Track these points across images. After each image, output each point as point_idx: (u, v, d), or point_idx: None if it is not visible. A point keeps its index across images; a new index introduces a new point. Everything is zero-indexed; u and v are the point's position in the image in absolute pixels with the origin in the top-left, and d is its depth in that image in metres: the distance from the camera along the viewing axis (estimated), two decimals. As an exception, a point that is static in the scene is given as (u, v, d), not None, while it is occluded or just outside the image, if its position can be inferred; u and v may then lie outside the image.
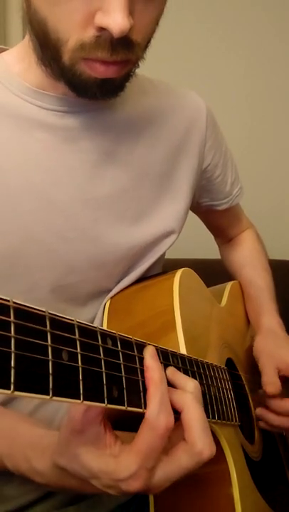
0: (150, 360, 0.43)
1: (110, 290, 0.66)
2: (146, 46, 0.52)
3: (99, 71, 0.49)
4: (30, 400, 0.60)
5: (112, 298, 0.65)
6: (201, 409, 0.44)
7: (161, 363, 0.46)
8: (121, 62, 0.49)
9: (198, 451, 0.42)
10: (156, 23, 0.52)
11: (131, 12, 0.45)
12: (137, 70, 0.57)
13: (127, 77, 0.53)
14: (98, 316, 0.65)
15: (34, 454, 0.47)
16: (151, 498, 0.58)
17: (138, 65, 0.53)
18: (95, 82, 0.50)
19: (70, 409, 0.41)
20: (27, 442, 0.49)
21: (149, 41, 0.52)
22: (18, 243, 0.56)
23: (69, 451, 0.42)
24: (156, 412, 0.40)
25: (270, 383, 0.70)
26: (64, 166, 0.58)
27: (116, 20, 0.44)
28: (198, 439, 0.42)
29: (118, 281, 0.66)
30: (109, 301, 0.65)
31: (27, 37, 0.56)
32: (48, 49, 0.50)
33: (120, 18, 0.44)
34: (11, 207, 0.56)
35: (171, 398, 0.43)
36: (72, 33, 0.47)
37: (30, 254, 0.57)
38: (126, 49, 0.48)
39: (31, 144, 0.57)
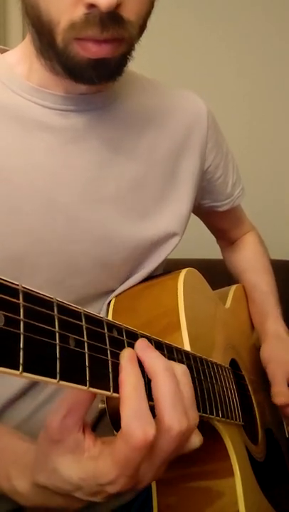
0: (125, 365, 0.39)
1: (114, 290, 0.66)
2: (140, 26, 0.52)
3: (92, 51, 0.49)
4: (29, 403, 0.60)
5: (116, 297, 0.65)
6: (173, 382, 0.40)
7: (164, 355, 0.46)
8: (113, 41, 0.49)
9: (166, 427, 0.38)
10: (150, 2, 0.52)
11: None
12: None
13: (123, 59, 0.53)
14: (102, 315, 0.65)
15: (15, 473, 0.43)
16: (154, 497, 0.58)
17: (134, 47, 0.53)
18: (89, 63, 0.50)
19: (46, 419, 0.39)
20: (11, 459, 0.45)
21: (143, 21, 0.52)
22: (23, 245, 0.56)
23: (47, 465, 0.39)
24: (130, 422, 0.36)
25: (280, 394, 0.70)
26: (68, 166, 0.58)
27: None
28: (166, 415, 0.38)
29: (122, 282, 0.67)
30: (113, 300, 0.65)
31: (28, 36, 0.57)
32: (43, 35, 0.51)
33: None
34: (15, 209, 0.56)
35: (144, 362, 0.40)
36: (63, 13, 0.48)
37: (36, 255, 0.57)
38: (116, 25, 0.48)
39: (35, 145, 0.57)
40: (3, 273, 0.55)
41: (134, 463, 0.37)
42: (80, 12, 0.47)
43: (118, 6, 0.46)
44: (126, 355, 0.40)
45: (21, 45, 0.60)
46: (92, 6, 0.46)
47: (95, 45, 0.48)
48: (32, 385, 0.60)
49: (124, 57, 0.52)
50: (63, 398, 0.39)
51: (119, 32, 0.48)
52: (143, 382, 0.39)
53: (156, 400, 0.39)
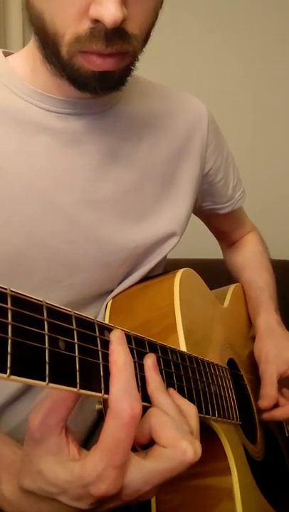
0: (115, 343, 0.40)
1: (112, 290, 0.67)
2: (144, 39, 0.52)
3: (96, 64, 0.49)
4: (26, 406, 0.60)
5: (113, 298, 0.66)
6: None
7: (158, 357, 0.47)
8: (117, 54, 0.49)
9: (182, 450, 0.39)
10: (155, 14, 0.51)
11: (125, 3, 0.46)
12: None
13: (127, 70, 0.53)
14: (100, 316, 0.65)
15: (6, 477, 0.43)
16: (152, 498, 0.58)
17: (137, 58, 0.53)
18: (94, 75, 0.50)
19: (29, 418, 0.39)
20: (6, 463, 0.45)
21: (147, 33, 0.52)
22: (21, 245, 0.57)
23: (32, 467, 0.39)
24: (118, 398, 0.37)
25: (265, 397, 0.70)
26: (67, 168, 0.59)
27: (109, 10, 0.44)
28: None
29: (120, 282, 0.67)
30: (110, 301, 0.65)
31: (32, 39, 0.57)
32: (47, 45, 0.51)
33: (113, 8, 0.44)
34: (14, 210, 0.56)
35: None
36: (68, 26, 0.48)
37: (34, 255, 0.58)
38: (121, 40, 0.48)
39: (35, 147, 0.57)
40: (1, 271, 0.56)
41: (122, 446, 0.37)
42: (85, 26, 0.47)
43: (123, 20, 0.46)
44: (116, 335, 0.41)
45: (25, 49, 0.61)
46: (97, 20, 0.46)
47: (99, 58, 0.49)
48: (28, 388, 0.60)
49: (127, 68, 0.53)
50: (45, 397, 0.39)
51: (124, 47, 0.49)
52: (132, 361, 0.40)
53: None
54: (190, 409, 0.45)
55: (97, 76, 0.50)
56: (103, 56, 0.49)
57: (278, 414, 0.71)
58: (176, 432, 0.40)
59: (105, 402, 0.53)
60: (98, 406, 0.55)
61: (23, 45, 0.62)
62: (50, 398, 0.38)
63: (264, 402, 0.70)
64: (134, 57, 0.52)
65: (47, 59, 0.53)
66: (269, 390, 0.71)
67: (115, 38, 0.47)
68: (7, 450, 0.47)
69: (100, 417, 0.63)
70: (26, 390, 0.60)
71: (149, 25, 0.51)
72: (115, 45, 0.48)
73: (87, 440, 0.64)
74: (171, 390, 0.46)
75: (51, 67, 0.54)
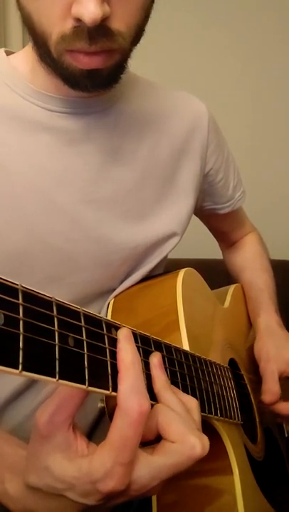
0: (123, 342, 0.40)
1: (114, 290, 0.67)
2: (134, 36, 0.51)
3: (83, 62, 0.49)
4: (28, 403, 0.60)
5: (115, 297, 0.66)
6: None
7: (163, 356, 0.47)
8: (103, 52, 0.49)
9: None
10: (144, 11, 0.51)
11: (108, 0, 0.46)
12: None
13: (117, 68, 0.52)
14: (102, 315, 0.65)
15: (9, 476, 0.43)
16: (154, 496, 0.58)
17: (128, 55, 0.53)
18: (82, 73, 0.50)
19: (35, 415, 0.39)
20: (8, 462, 0.45)
21: (137, 30, 0.51)
22: (23, 244, 0.57)
23: (39, 464, 0.38)
24: (126, 396, 0.37)
25: (269, 392, 0.71)
26: (67, 168, 0.59)
27: (88, 9, 0.44)
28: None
29: (122, 281, 0.67)
30: (112, 300, 0.65)
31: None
32: (39, 45, 0.51)
33: (92, 7, 0.44)
34: (16, 209, 0.57)
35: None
36: (54, 25, 0.48)
37: (35, 254, 0.58)
38: (105, 38, 0.48)
39: (36, 146, 0.58)
40: (3, 269, 0.56)
41: (129, 444, 0.37)
42: (69, 25, 0.47)
43: (107, 17, 0.46)
44: (123, 334, 0.41)
45: (26, 48, 0.61)
46: (79, 19, 0.46)
47: (86, 56, 0.49)
48: (29, 385, 0.60)
49: (117, 66, 0.52)
50: (53, 394, 0.39)
51: (108, 44, 0.48)
52: (140, 359, 0.40)
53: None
54: (191, 402, 0.45)
55: (86, 74, 0.50)
56: (90, 54, 0.48)
57: (281, 407, 0.71)
58: (184, 427, 0.41)
59: (108, 400, 0.53)
60: (100, 404, 0.55)
61: (23, 45, 0.63)
62: (57, 395, 0.38)
63: (267, 397, 0.70)
64: (122, 55, 0.52)
65: (41, 58, 0.54)
66: (272, 386, 0.71)
67: (98, 36, 0.47)
68: (9, 449, 0.47)
69: (102, 415, 0.63)
70: (30, 385, 0.60)
71: (138, 22, 0.51)
72: (99, 42, 0.48)
73: (89, 438, 0.63)
74: (172, 386, 0.46)
75: (46, 66, 0.54)
